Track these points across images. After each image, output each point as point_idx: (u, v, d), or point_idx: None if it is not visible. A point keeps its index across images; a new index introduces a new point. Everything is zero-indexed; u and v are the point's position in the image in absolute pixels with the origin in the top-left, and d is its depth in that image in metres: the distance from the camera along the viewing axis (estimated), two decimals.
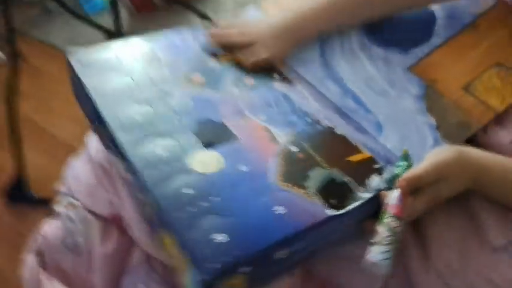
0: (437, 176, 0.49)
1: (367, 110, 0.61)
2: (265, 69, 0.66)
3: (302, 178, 0.50)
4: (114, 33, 1.41)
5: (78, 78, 0.59)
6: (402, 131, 0.59)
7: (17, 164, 1.34)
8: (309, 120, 0.59)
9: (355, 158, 0.54)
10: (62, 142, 1.52)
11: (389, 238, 0.45)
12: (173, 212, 0.45)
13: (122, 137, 0.52)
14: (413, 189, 0.49)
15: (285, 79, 0.66)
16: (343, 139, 0.57)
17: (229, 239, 0.43)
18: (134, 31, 1.97)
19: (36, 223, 1.25)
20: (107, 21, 1.94)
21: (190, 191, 0.47)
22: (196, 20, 1.87)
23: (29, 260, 0.68)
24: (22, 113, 1.44)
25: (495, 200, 0.54)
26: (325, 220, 0.47)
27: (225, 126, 0.56)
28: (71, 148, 1.45)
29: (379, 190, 0.51)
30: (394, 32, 0.70)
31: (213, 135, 0.54)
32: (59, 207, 0.67)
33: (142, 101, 0.57)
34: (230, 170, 0.50)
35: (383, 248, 0.44)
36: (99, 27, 1.82)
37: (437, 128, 0.59)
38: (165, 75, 0.62)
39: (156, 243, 0.54)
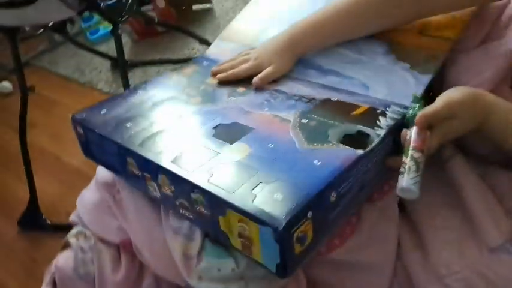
0: (450, 112, 0.54)
1: (350, 77, 0.69)
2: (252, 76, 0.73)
3: (324, 137, 0.57)
4: (118, 60, 1.47)
5: (98, 135, 0.65)
6: (385, 81, 0.66)
7: (30, 192, 1.38)
8: (305, 100, 0.66)
9: (357, 111, 0.61)
10: (74, 169, 1.56)
11: (415, 167, 0.52)
12: (231, 193, 0.50)
13: (156, 158, 0.57)
14: (429, 125, 0.54)
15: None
16: (341, 103, 0.64)
17: (283, 196, 0.48)
18: (137, 56, 2.04)
19: (49, 249, 1.30)
20: (111, 47, 2.02)
21: (234, 174, 0.53)
22: (196, 45, 1.93)
23: None
24: (34, 142, 1.50)
25: (498, 145, 0.57)
26: (358, 158, 0.53)
27: (238, 123, 0.62)
28: (83, 175, 1.52)
29: (390, 126, 0.57)
30: None
31: (231, 133, 0.60)
32: (71, 238, 0.71)
33: (159, 130, 0.63)
34: (260, 150, 0.56)
35: (412, 175, 0.52)
36: (104, 55, 1.89)
37: (411, 68, 0.67)
38: (169, 107, 0.69)
39: (213, 234, 0.58)
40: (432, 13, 0.69)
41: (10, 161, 1.60)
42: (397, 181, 0.52)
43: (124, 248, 0.68)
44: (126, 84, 1.35)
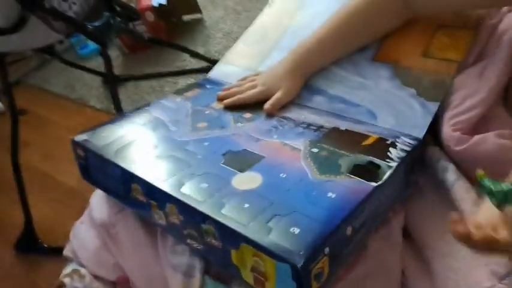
0: None
1: (356, 105, 0.68)
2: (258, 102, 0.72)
3: (336, 168, 0.56)
4: (107, 74, 1.45)
5: (101, 159, 0.63)
6: (392, 109, 0.66)
7: (25, 216, 1.37)
8: (314, 128, 0.65)
9: (367, 142, 0.61)
10: (68, 189, 1.55)
11: None
12: (245, 225, 0.48)
13: (164, 186, 0.56)
14: None
15: None
16: (350, 132, 0.64)
17: (300, 229, 0.47)
18: (128, 70, 2.02)
19: (49, 271, 1.28)
20: (102, 62, 1.99)
21: (247, 205, 0.51)
22: (187, 57, 1.91)
23: None
24: (27, 162, 1.48)
25: None
26: (373, 191, 0.52)
27: (247, 151, 0.61)
28: (78, 194, 1.50)
29: (401, 158, 0.57)
30: None
31: (241, 161, 0.59)
32: (65, 278, 0.69)
33: (166, 155, 0.62)
34: (272, 180, 0.55)
35: None
36: (94, 72, 1.87)
37: (418, 94, 0.65)
38: (174, 131, 0.68)
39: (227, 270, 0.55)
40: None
41: (3, 183, 1.58)
42: (401, 206, 0.50)
43: (121, 286, 0.67)
44: (117, 105, 1.34)
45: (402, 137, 0.60)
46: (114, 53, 2.04)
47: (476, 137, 0.57)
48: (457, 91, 0.63)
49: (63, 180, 1.59)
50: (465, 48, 0.68)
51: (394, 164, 0.56)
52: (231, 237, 0.49)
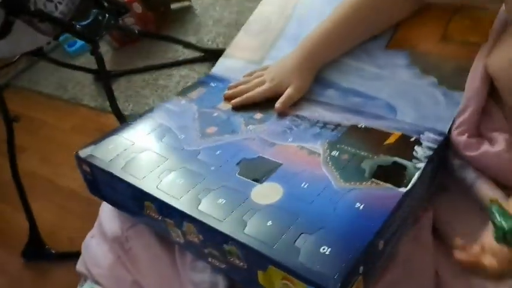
0: None
1: (373, 98, 0.63)
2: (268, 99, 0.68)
3: (360, 173, 0.52)
4: (99, 72, 1.41)
5: (110, 175, 0.59)
6: (412, 101, 0.61)
7: (29, 222, 1.34)
8: (331, 127, 0.61)
9: (390, 140, 0.57)
10: (69, 192, 1.51)
11: None
12: (271, 246, 0.45)
13: (180, 205, 0.52)
14: None
15: None
16: (369, 130, 0.59)
17: (331, 249, 0.44)
18: (120, 65, 1.97)
19: (58, 277, 1.27)
20: (91, 58, 1.92)
21: (270, 223, 0.48)
22: (180, 47, 1.85)
23: None
24: (25, 167, 1.44)
25: None
26: (403, 198, 0.49)
27: (263, 158, 0.57)
28: (80, 197, 1.47)
29: (428, 157, 0.53)
30: None
31: (257, 170, 0.55)
32: None
33: (177, 168, 0.58)
34: (293, 191, 0.51)
35: None
36: (85, 70, 1.82)
37: (440, 83, 0.61)
38: (183, 138, 0.64)
39: None
40: None
41: (4, 190, 1.54)
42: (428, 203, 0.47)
43: None
44: (113, 102, 1.30)
45: (426, 133, 0.57)
46: (103, 48, 1.96)
47: (485, 148, 0.54)
48: None
49: (63, 184, 1.56)
50: (487, 29, 0.63)
51: (421, 165, 0.52)
52: (257, 258, 0.46)
